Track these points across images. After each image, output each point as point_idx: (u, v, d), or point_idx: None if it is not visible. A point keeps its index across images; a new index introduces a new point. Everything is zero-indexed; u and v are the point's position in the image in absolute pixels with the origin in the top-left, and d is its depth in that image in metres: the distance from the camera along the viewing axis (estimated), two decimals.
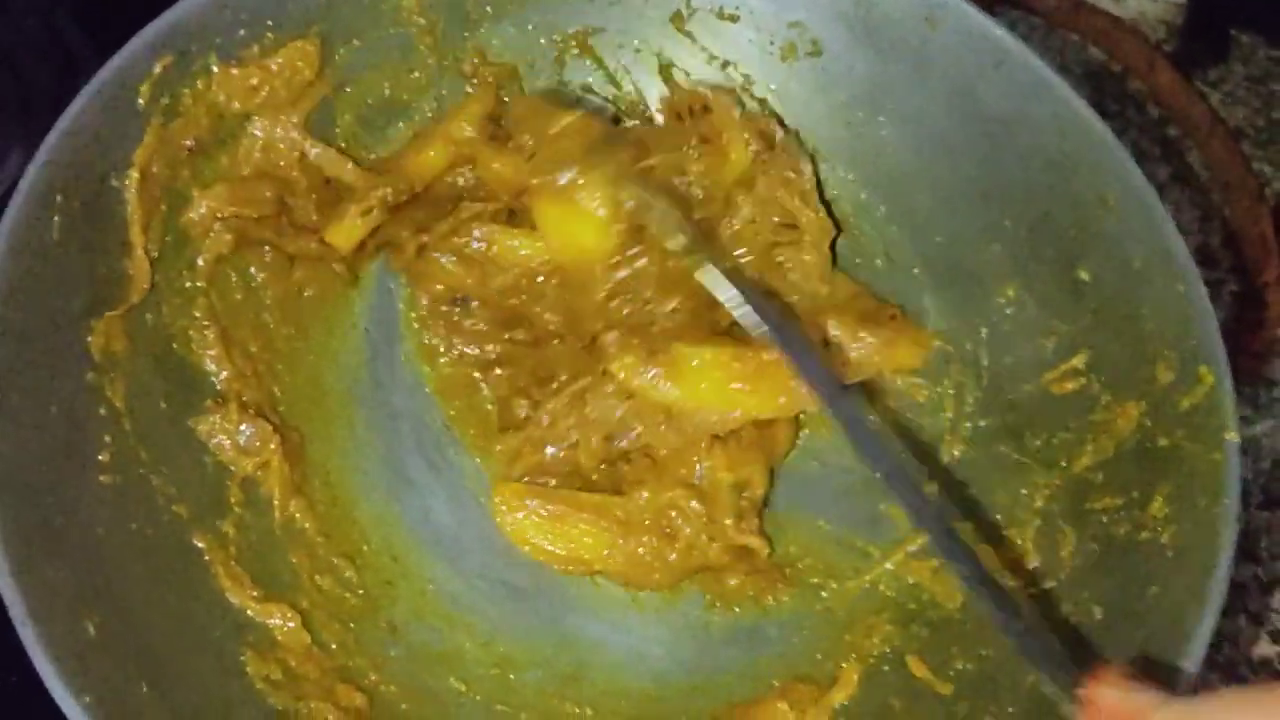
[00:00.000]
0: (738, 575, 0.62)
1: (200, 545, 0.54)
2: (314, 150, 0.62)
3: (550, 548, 0.61)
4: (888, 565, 0.62)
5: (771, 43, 0.65)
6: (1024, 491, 0.59)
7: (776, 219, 0.64)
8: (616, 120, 0.69)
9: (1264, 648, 0.71)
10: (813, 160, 0.67)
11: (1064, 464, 0.58)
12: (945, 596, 0.59)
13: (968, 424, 0.63)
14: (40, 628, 0.44)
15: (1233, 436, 0.52)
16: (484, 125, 0.66)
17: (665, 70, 0.67)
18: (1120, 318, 0.58)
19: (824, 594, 0.62)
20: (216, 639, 0.52)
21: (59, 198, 0.52)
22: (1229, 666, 0.70)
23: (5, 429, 0.48)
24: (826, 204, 0.67)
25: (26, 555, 0.46)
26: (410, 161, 0.65)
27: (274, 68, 0.60)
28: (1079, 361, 0.59)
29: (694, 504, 0.61)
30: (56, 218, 0.52)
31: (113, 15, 0.59)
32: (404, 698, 0.56)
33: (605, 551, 0.61)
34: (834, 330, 0.63)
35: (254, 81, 0.60)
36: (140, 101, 0.55)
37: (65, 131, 0.53)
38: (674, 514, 0.61)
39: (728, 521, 0.61)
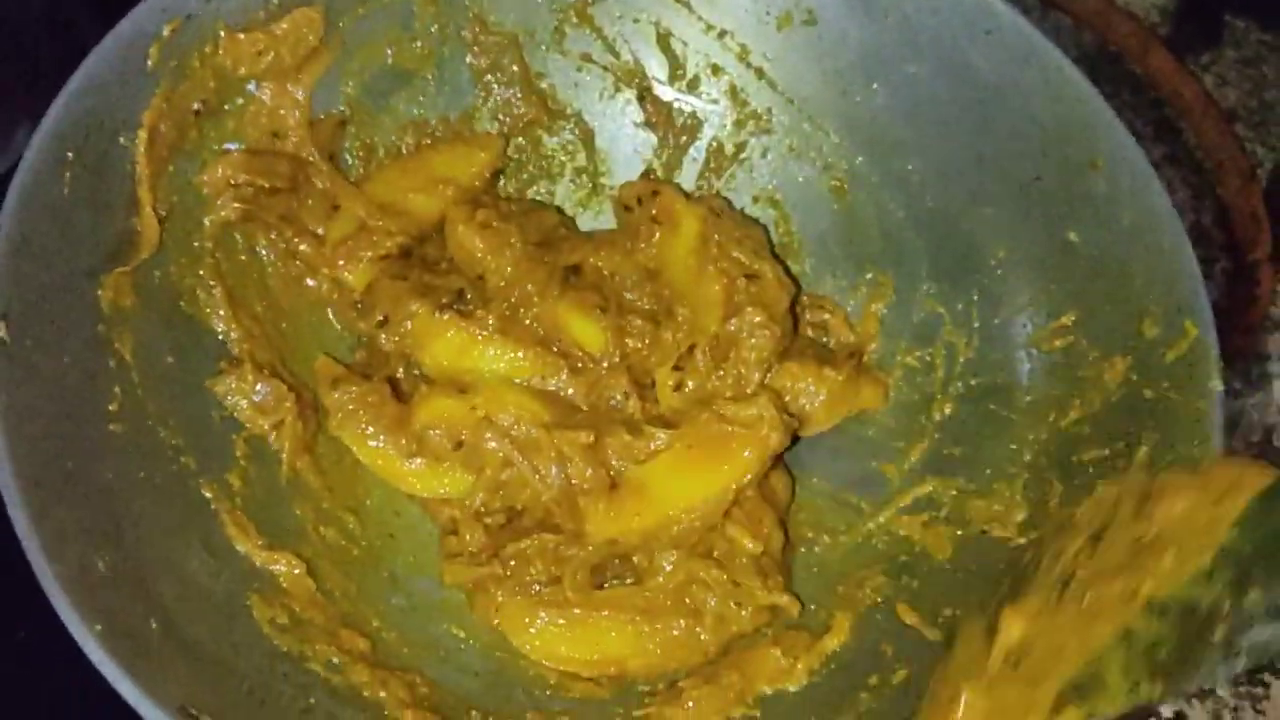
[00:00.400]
0: (774, 642, 0.59)
1: (208, 495, 0.55)
2: (321, 178, 0.64)
3: (577, 655, 0.58)
4: (880, 519, 0.63)
5: (768, 12, 0.67)
6: (1013, 446, 0.60)
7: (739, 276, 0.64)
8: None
9: None
10: (765, 230, 0.69)
11: (1052, 419, 0.59)
12: (936, 549, 0.60)
13: (959, 383, 0.64)
14: (54, 565, 0.45)
15: (1216, 384, 0.53)
16: (490, 181, 0.68)
17: (663, 40, 0.68)
18: (1109, 276, 0.59)
19: (817, 548, 0.63)
20: (224, 582, 0.53)
21: (70, 155, 0.53)
22: None
23: (19, 377, 0.49)
24: (784, 265, 0.68)
25: (40, 497, 0.47)
26: (417, 206, 0.65)
27: (279, 33, 0.61)
28: (1068, 319, 0.60)
29: (715, 572, 0.58)
30: (67, 174, 0.53)
31: None
32: (405, 643, 0.57)
33: (636, 645, 0.58)
34: (796, 379, 0.63)
35: (259, 47, 0.61)
36: (149, 63, 0.56)
37: (76, 91, 0.54)
38: (695, 588, 0.59)
39: (754, 583, 0.59)
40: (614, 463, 0.59)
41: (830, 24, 0.65)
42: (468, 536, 0.60)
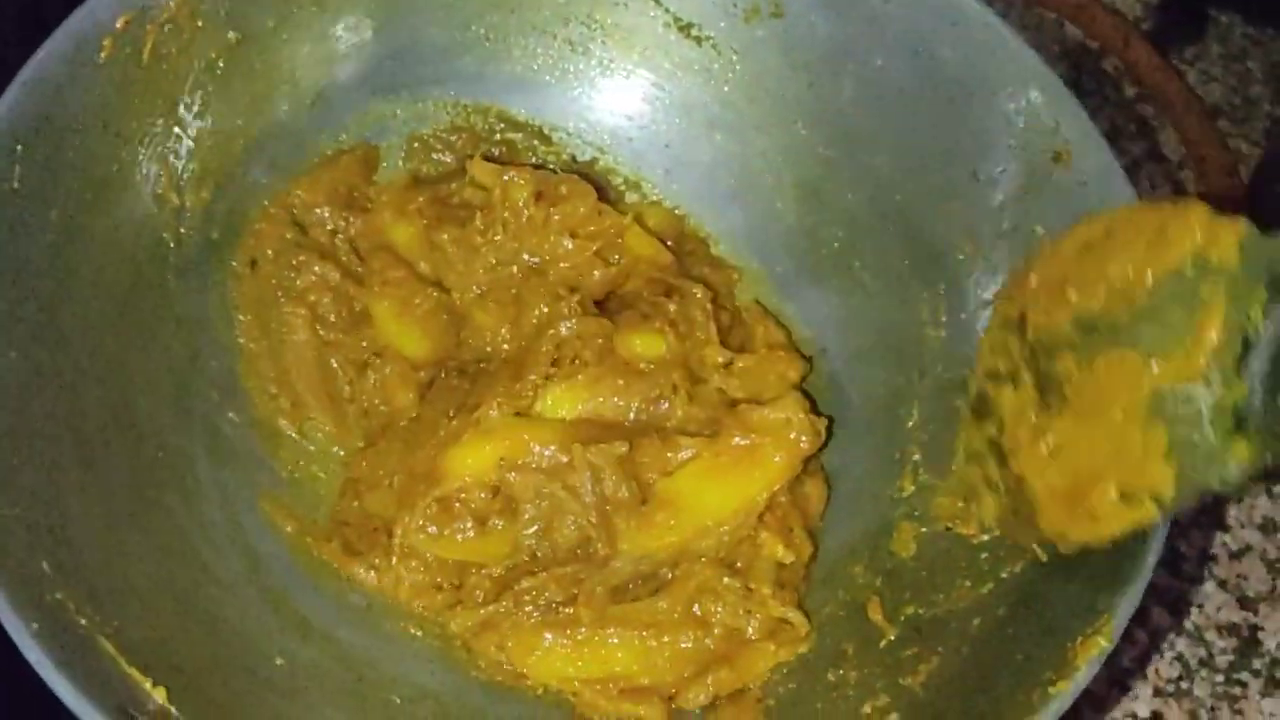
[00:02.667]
0: (768, 655, 0.57)
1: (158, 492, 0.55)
2: None
3: (582, 675, 0.56)
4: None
5: (734, 5, 0.66)
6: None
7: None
8: None
9: (1232, 613, 0.71)
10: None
11: None
12: (900, 546, 0.59)
13: (927, 380, 0.64)
14: None
15: None
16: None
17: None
18: None
19: None
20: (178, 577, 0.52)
21: (19, 148, 0.53)
22: (1197, 632, 0.70)
23: None
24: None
25: None
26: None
27: None
28: None
29: (727, 580, 0.57)
30: (16, 168, 0.53)
31: None
32: (363, 643, 0.56)
33: (644, 661, 0.56)
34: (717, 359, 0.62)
35: None
36: (101, 56, 0.56)
37: (25, 83, 0.53)
38: (706, 598, 0.57)
39: (766, 591, 0.57)
40: (645, 475, 0.58)
41: (798, 16, 0.65)
42: (477, 593, 0.58)
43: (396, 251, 0.64)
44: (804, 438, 0.58)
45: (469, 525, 0.57)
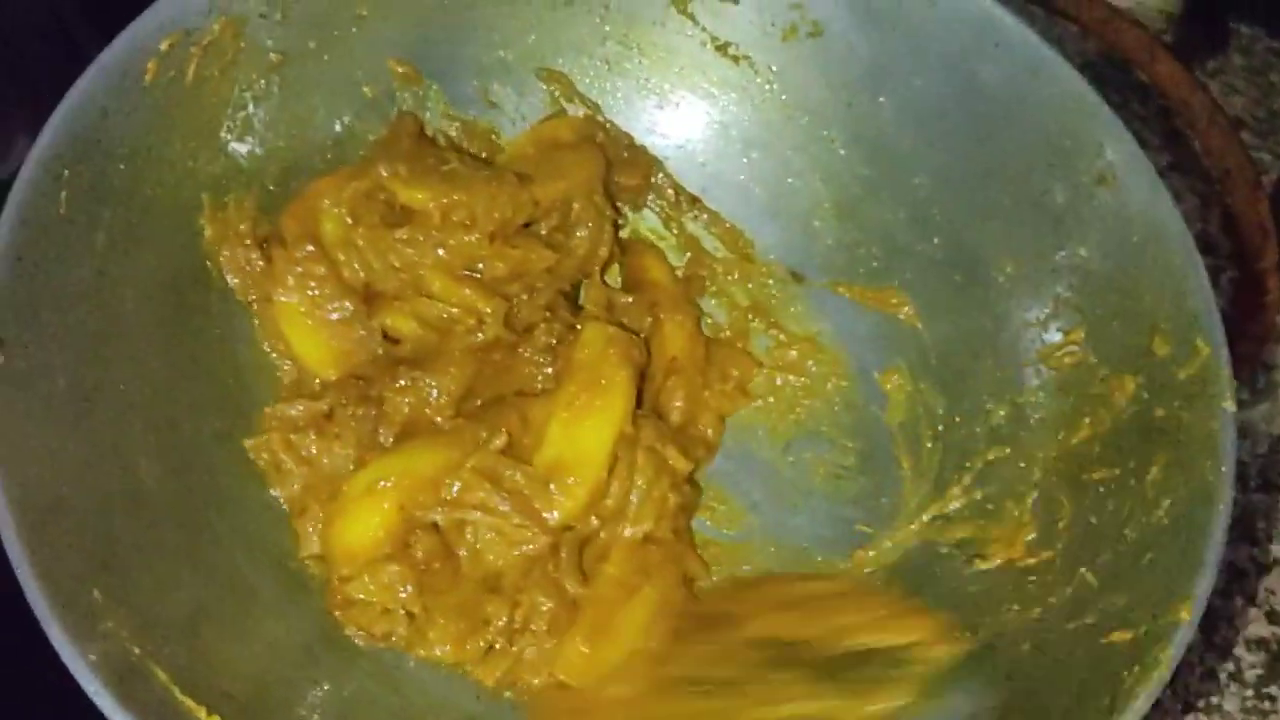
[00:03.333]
0: None
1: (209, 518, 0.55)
2: None
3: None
4: (888, 543, 0.63)
5: (772, 24, 0.66)
6: (1022, 464, 0.59)
7: None
8: None
9: (1260, 629, 0.71)
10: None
11: (1061, 436, 0.59)
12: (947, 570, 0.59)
13: (966, 403, 0.64)
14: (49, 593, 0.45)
15: (1229, 405, 0.52)
16: None
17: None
18: (1118, 292, 0.58)
19: None
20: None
21: (66, 173, 0.53)
22: (1225, 647, 0.71)
23: (12, 398, 0.48)
24: None
25: (34, 523, 0.46)
26: None
27: None
28: (1076, 336, 0.60)
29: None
30: (63, 194, 0.53)
31: (117, 2, 0.60)
32: (408, 668, 0.56)
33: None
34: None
35: None
36: (146, 79, 0.56)
37: (70, 110, 0.53)
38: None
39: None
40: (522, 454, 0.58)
41: (837, 36, 0.65)
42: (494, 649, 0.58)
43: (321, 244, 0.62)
44: (627, 350, 0.60)
45: (408, 589, 0.56)
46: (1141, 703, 0.46)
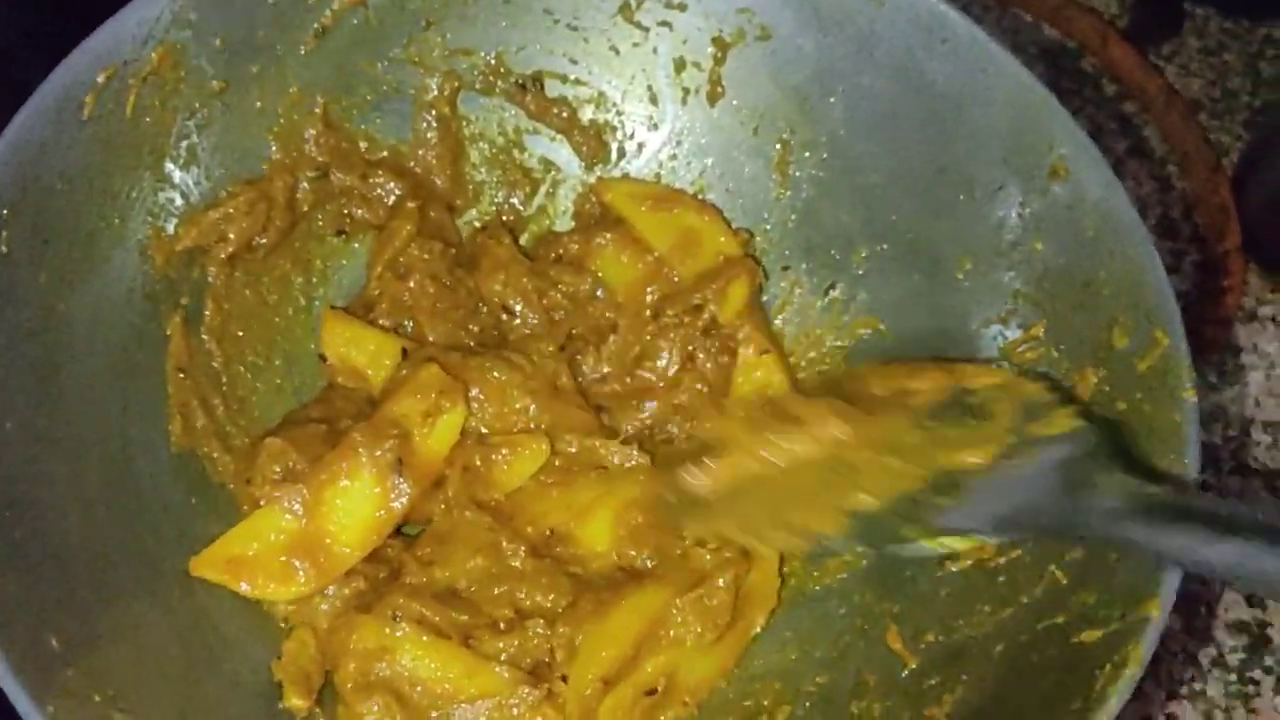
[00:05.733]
0: None
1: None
2: None
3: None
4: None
5: (720, 29, 0.66)
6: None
7: None
8: None
9: (1240, 612, 0.71)
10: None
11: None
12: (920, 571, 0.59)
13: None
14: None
15: (1190, 395, 0.52)
16: None
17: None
18: (1076, 286, 0.58)
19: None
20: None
21: (5, 212, 0.52)
22: (1205, 630, 0.70)
23: None
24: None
25: None
26: None
27: None
28: (1037, 331, 0.60)
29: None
30: (4, 233, 0.52)
31: (65, 31, 0.59)
32: None
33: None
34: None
35: None
36: (84, 113, 0.55)
37: (9, 146, 0.52)
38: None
39: None
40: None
41: (785, 39, 0.64)
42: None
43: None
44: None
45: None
46: (1113, 704, 0.46)
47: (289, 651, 0.54)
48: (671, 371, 0.64)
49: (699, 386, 0.65)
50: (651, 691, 0.55)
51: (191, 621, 0.53)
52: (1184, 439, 0.51)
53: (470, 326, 0.65)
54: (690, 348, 0.65)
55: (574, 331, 0.65)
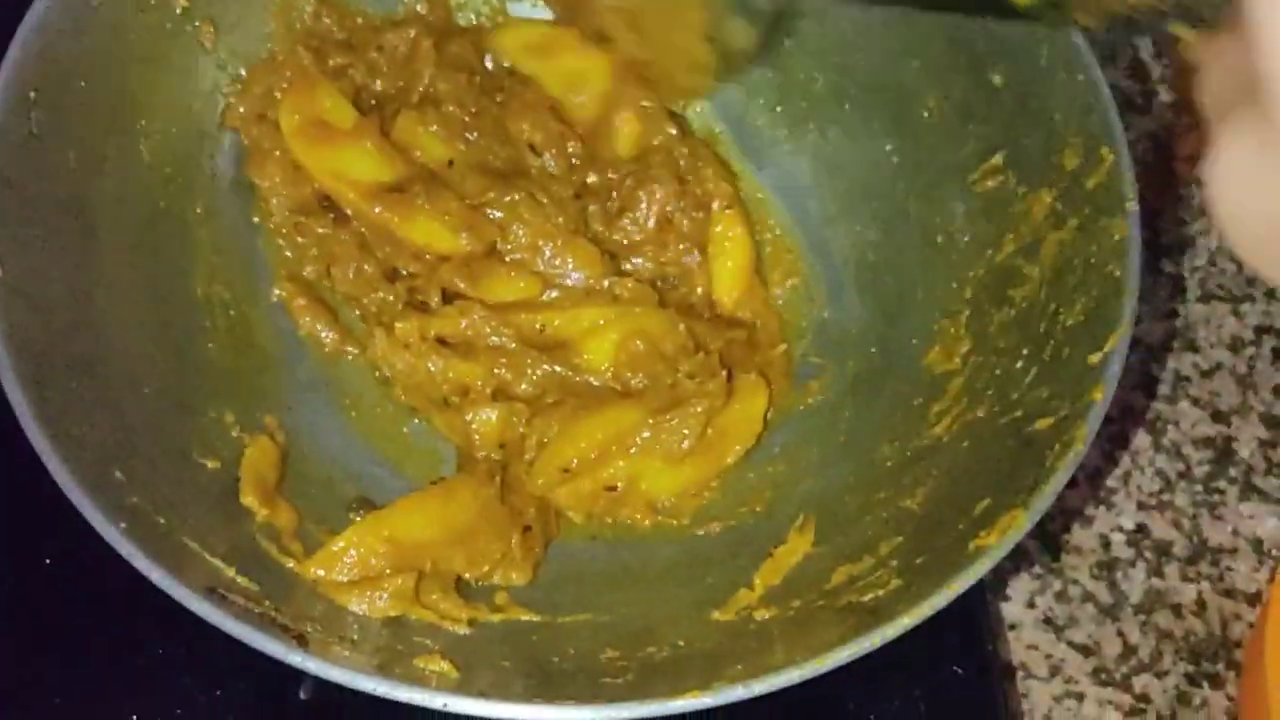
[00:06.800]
0: None
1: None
2: None
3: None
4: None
5: None
6: (954, 285, 0.64)
7: None
8: None
9: (1207, 428, 0.75)
10: None
11: (988, 255, 0.63)
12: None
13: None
14: (76, 476, 0.49)
15: (1132, 206, 0.56)
16: None
17: None
18: (1031, 113, 0.61)
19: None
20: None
21: (32, 94, 0.56)
22: (1175, 447, 0.74)
23: (13, 302, 0.52)
24: None
25: (52, 411, 0.50)
26: None
27: None
28: (997, 159, 0.63)
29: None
30: (32, 114, 0.56)
31: None
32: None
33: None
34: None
35: None
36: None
37: (29, 29, 0.56)
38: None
39: None
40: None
41: None
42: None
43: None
44: None
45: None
46: (1061, 476, 0.51)
47: (249, 457, 0.59)
48: (650, 224, 0.67)
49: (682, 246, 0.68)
50: (612, 488, 0.60)
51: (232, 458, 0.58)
52: (1128, 242, 0.55)
53: (497, 150, 0.67)
54: (668, 209, 0.68)
55: (589, 180, 0.68)
